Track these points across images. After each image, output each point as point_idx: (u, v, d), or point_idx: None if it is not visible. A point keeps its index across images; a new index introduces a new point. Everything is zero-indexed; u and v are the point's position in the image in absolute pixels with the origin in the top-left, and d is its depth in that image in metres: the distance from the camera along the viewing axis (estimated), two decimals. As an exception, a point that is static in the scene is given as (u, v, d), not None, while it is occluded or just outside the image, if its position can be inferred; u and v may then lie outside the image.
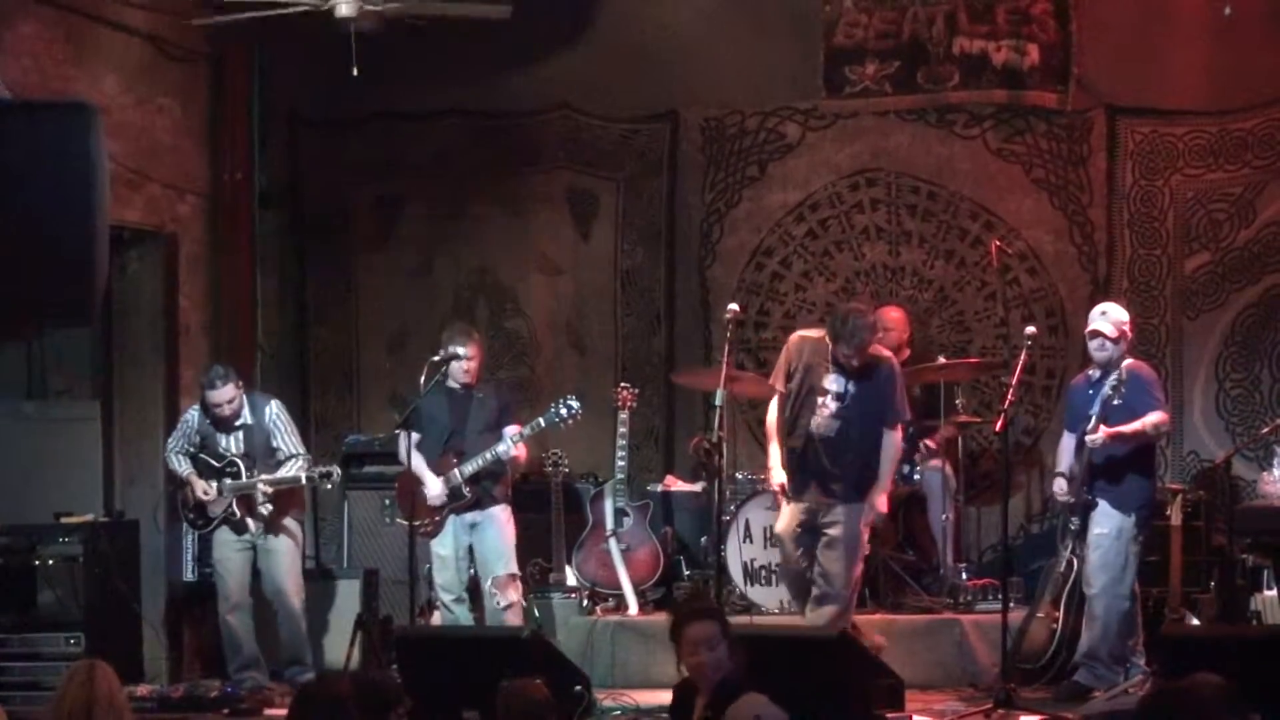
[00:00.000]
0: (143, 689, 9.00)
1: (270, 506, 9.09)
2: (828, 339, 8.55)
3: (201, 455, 9.21)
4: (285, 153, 11.24)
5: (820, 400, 8.53)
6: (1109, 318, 8.47)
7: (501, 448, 8.99)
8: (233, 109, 10.81)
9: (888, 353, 8.87)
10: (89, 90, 9.60)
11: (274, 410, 9.32)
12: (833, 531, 8.48)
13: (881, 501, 8.61)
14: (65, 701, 5.47)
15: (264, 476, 9.08)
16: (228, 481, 9.11)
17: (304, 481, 9.13)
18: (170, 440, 9.49)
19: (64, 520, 9.40)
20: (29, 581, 9.30)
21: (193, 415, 9.40)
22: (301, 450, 9.28)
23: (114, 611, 9.39)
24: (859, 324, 8.43)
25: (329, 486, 9.22)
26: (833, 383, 8.55)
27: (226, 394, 9.11)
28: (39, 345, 10.44)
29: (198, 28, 10.32)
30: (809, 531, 8.54)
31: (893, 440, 8.59)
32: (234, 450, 9.19)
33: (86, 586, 9.27)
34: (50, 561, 9.29)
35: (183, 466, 9.25)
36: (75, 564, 9.28)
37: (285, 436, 9.27)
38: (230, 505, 9.10)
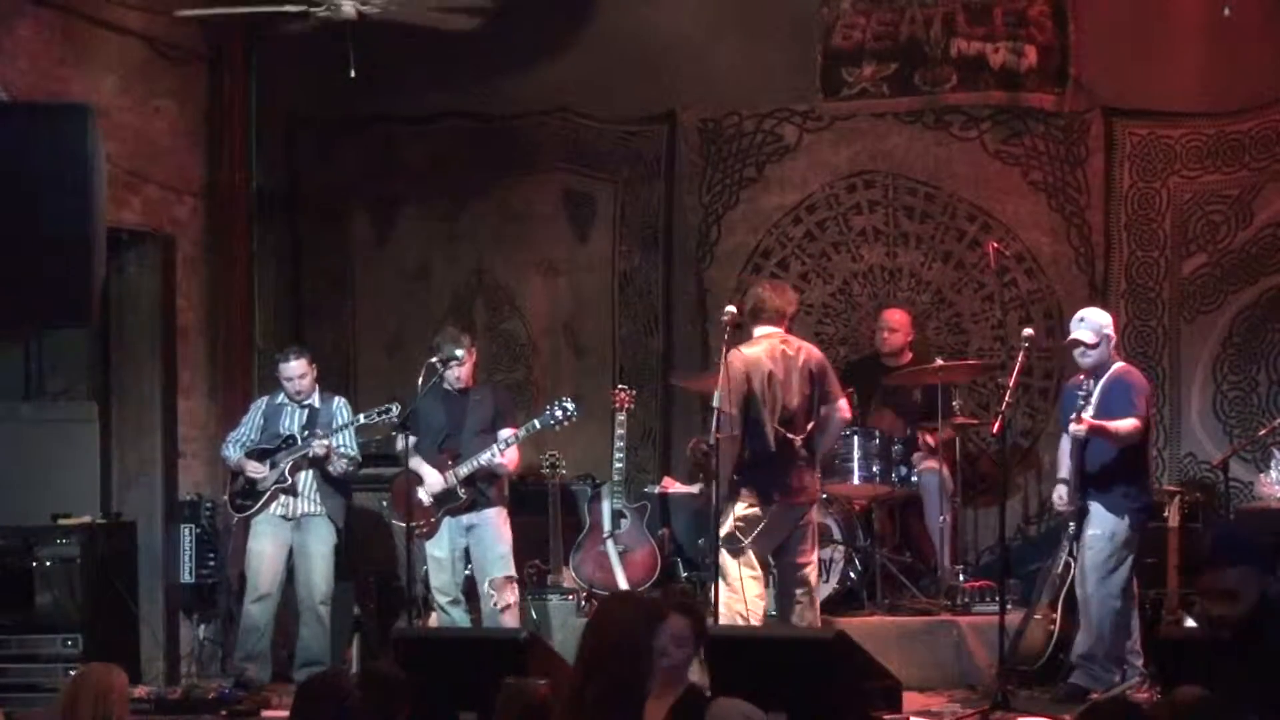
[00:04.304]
0: (140, 690, 8.98)
1: (323, 449, 9.16)
2: None
3: (258, 446, 9.33)
4: (282, 154, 11.24)
5: None
6: (1086, 324, 8.45)
7: (485, 456, 9.00)
8: (230, 110, 10.80)
9: None
10: (86, 92, 9.60)
11: (341, 403, 9.50)
12: None
13: None
14: (65, 700, 5.50)
15: (320, 434, 9.20)
16: (282, 454, 9.22)
17: (362, 420, 9.21)
18: (232, 431, 9.60)
19: (61, 521, 9.39)
20: (26, 583, 9.27)
21: (262, 400, 9.63)
22: (360, 417, 9.32)
23: (112, 613, 9.38)
24: None
25: (389, 421, 9.20)
26: None
27: (298, 368, 9.31)
28: (36, 346, 10.44)
29: (196, 30, 10.34)
30: None
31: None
32: (295, 427, 9.33)
33: (84, 588, 9.25)
34: (48, 563, 9.27)
35: (235, 454, 9.39)
36: (73, 565, 9.26)
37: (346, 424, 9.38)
38: (283, 474, 9.20)
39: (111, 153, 8.74)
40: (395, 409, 9.08)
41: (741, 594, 8.32)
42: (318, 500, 9.30)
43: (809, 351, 8.56)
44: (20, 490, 9.67)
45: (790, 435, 8.40)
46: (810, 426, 8.47)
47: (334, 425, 9.31)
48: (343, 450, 9.28)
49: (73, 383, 10.49)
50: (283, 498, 9.25)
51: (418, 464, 9.13)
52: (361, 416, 9.23)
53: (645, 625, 5.32)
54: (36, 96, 9.19)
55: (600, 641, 5.20)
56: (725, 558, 8.37)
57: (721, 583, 8.36)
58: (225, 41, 10.62)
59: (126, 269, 10.33)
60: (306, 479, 9.27)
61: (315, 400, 9.42)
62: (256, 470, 9.25)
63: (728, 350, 8.54)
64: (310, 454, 9.19)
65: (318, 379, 9.48)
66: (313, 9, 9.45)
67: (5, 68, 9.10)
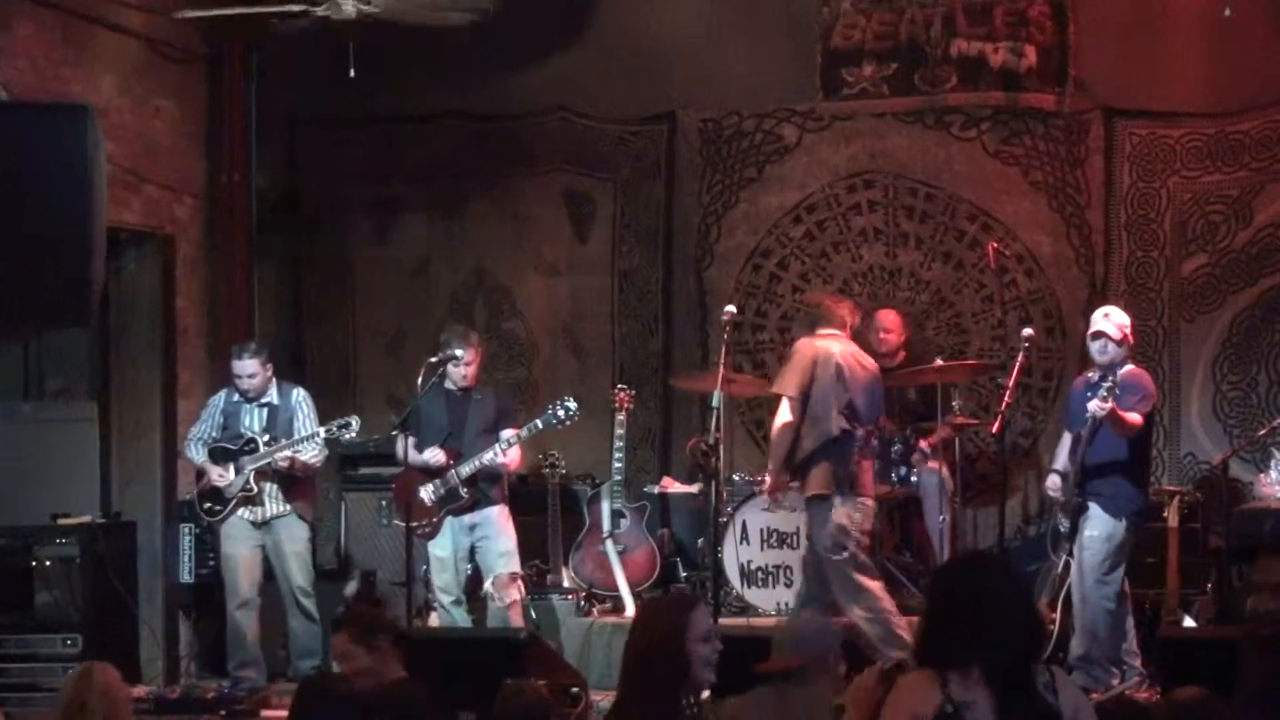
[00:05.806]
0: (140, 690, 8.99)
1: (285, 462, 9.12)
2: None
3: (219, 444, 9.26)
4: (282, 154, 11.24)
5: None
6: (1112, 320, 8.48)
7: (488, 455, 9.00)
8: (230, 110, 10.80)
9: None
10: (86, 92, 9.59)
11: (300, 395, 9.41)
12: None
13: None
14: (65, 700, 5.50)
15: (284, 441, 9.15)
16: (245, 459, 9.15)
17: (322, 435, 9.16)
18: (192, 428, 9.55)
19: (61, 521, 9.39)
20: (26, 583, 9.28)
21: (220, 396, 9.50)
22: (320, 431, 9.29)
23: (111, 613, 9.39)
24: None
25: (349, 437, 9.19)
26: None
27: (249, 367, 9.22)
28: (36, 346, 10.44)
29: (195, 29, 10.34)
30: None
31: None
32: (256, 428, 9.25)
33: (84, 588, 9.25)
34: (47, 563, 9.28)
35: (198, 455, 9.32)
36: (72, 565, 9.27)
37: (308, 419, 9.31)
38: (248, 481, 9.15)
39: (111, 153, 8.73)
40: (354, 422, 9.10)
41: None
42: (283, 500, 9.25)
43: (872, 362, 8.75)
44: (19, 490, 9.67)
45: (853, 425, 8.49)
46: (874, 424, 8.62)
47: (295, 429, 9.22)
48: (305, 458, 9.21)
49: (73, 383, 10.49)
50: (250, 503, 9.23)
51: (417, 456, 9.12)
52: (322, 430, 9.18)
53: (677, 622, 5.29)
54: (36, 96, 9.18)
55: (635, 649, 5.20)
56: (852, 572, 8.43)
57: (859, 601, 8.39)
58: (225, 41, 10.61)
59: (126, 269, 10.33)
60: (270, 484, 9.24)
61: (274, 396, 9.32)
62: (221, 477, 9.18)
63: (728, 352, 8.56)
64: (273, 465, 9.15)
65: (272, 376, 9.35)
66: (313, 9, 9.46)
67: (5, 68, 9.10)
